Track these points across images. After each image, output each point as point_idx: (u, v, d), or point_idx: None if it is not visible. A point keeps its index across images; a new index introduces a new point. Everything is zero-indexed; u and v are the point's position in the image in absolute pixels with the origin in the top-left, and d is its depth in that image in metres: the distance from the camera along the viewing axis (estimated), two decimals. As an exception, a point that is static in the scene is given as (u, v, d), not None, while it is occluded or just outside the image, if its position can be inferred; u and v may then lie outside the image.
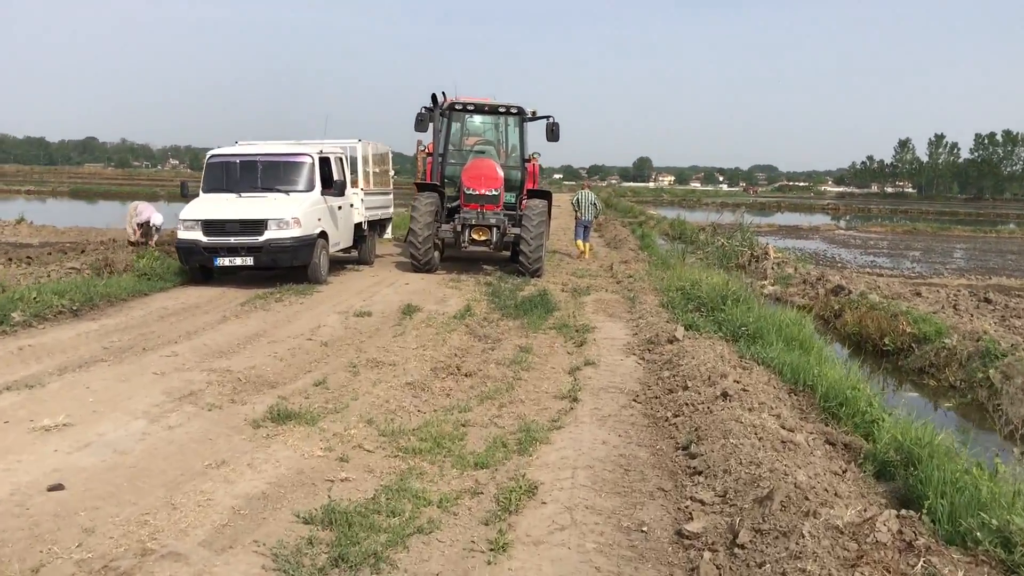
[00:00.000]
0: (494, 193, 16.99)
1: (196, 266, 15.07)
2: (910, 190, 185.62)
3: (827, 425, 7.16)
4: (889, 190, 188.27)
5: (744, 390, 7.33)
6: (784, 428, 6.36)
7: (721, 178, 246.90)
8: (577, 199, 23.66)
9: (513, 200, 18.45)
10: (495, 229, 16.89)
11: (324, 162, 16.19)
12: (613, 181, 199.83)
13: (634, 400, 8.09)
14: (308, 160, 15.71)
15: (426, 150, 18.41)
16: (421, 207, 17.03)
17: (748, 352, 9.64)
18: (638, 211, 57.75)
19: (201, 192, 15.77)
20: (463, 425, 7.18)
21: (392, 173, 20.50)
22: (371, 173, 18.54)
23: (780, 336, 10.13)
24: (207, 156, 16.12)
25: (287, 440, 6.60)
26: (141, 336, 10.68)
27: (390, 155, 20.33)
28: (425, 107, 18.16)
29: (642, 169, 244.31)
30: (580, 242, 23.84)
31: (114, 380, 8.37)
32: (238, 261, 14.68)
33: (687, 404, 7.36)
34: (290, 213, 14.69)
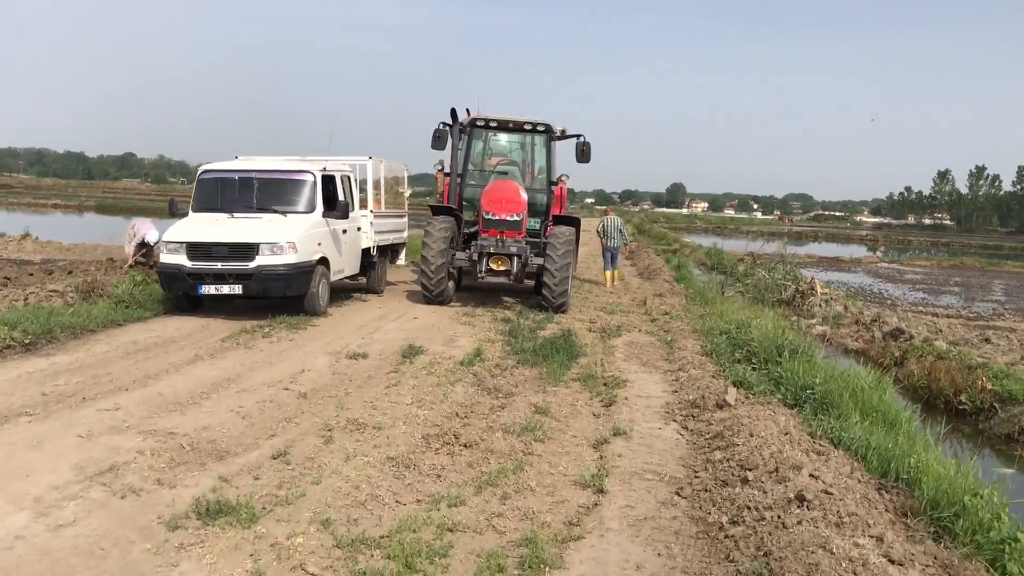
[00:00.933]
0: (516, 218, 15.27)
1: (179, 294, 13.46)
2: (948, 222, 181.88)
3: (939, 544, 5.30)
4: (927, 222, 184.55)
5: (826, 492, 5.49)
6: (891, 562, 4.51)
7: (755, 206, 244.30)
8: (603, 226, 22.50)
9: (537, 226, 16.72)
10: (516, 258, 15.15)
11: (328, 181, 14.57)
12: (646, 207, 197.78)
13: (677, 493, 6.26)
14: (309, 178, 14.08)
15: (443, 169, 16.74)
16: (434, 232, 15.35)
17: (819, 427, 7.75)
18: (672, 238, 55.83)
19: (191, 211, 14.20)
20: (449, 530, 5.39)
21: (407, 194, 18.86)
22: (383, 194, 16.88)
23: (856, 403, 8.25)
24: (198, 171, 14.54)
25: (204, 555, 4.84)
26: (92, 380, 9.03)
27: (406, 175, 18.70)
28: (443, 123, 16.52)
29: (675, 195, 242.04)
30: (608, 272, 22.47)
31: (24, 445, 6.69)
32: (225, 290, 13.05)
33: (749, 507, 5.53)
34: (285, 237, 13.06)
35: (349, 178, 15.58)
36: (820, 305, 22.97)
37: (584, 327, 14.15)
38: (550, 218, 16.61)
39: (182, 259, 13.06)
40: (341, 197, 14.76)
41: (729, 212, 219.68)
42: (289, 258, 13.02)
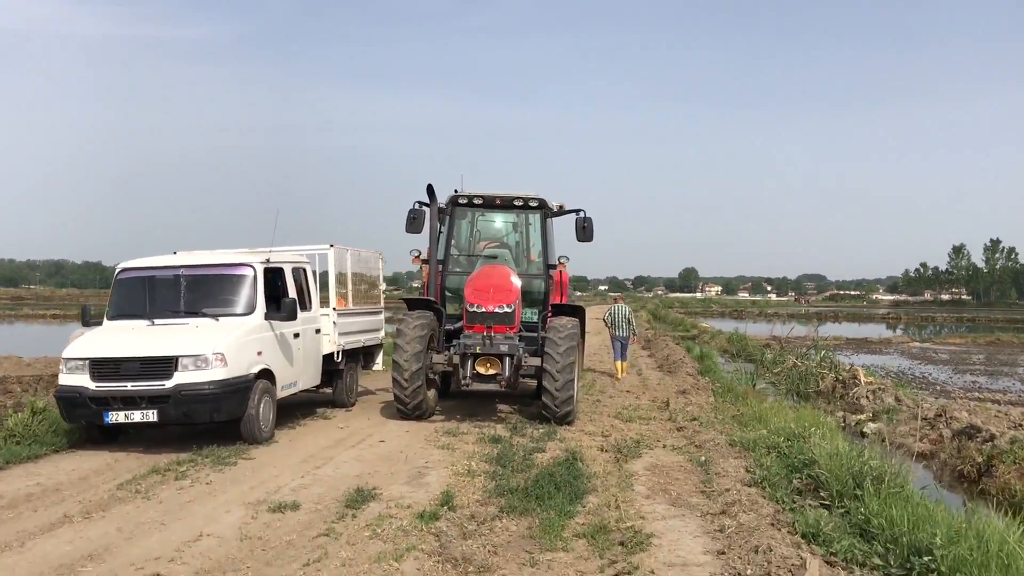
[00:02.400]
0: (507, 310, 12.57)
1: (84, 423, 10.74)
2: (966, 297, 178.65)
3: None
4: (945, 297, 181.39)
5: None
6: None
7: (769, 288, 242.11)
8: (610, 314, 21.40)
9: (535, 318, 14.00)
10: (508, 359, 12.39)
11: (273, 275, 11.97)
12: (659, 292, 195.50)
13: None
14: (248, 273, 11.48)
15: (419, 255, 14.11)
16: (407, 331, 12.65)
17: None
18: (689, 324, 53.07)
19: (105, 319, 11.59)
20: None
21: (383, 287, 16.21)
22: (350, 288, 14.25)
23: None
24: (116, 270, 11.97)
25: None
26: None
27: (381, 265, 16.08)
28: (419, 202, 13.99)
29: (688, 279, 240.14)
30: (618, 363, 20.99)
31: None
32: (137, 417, 10.32)
33: None
34: (212, 346, 10.38)
35: (304, 271, 12.98)
36: (867, 397, 20.00)
37: (595, 444, 11.29)
38: (549, 308, 13.89)
39: (84, 380, 10.39)
40: (292, 294, 12.15)
41: (743, 295, 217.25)
42: (217, 373, 10.32)
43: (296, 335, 12.19)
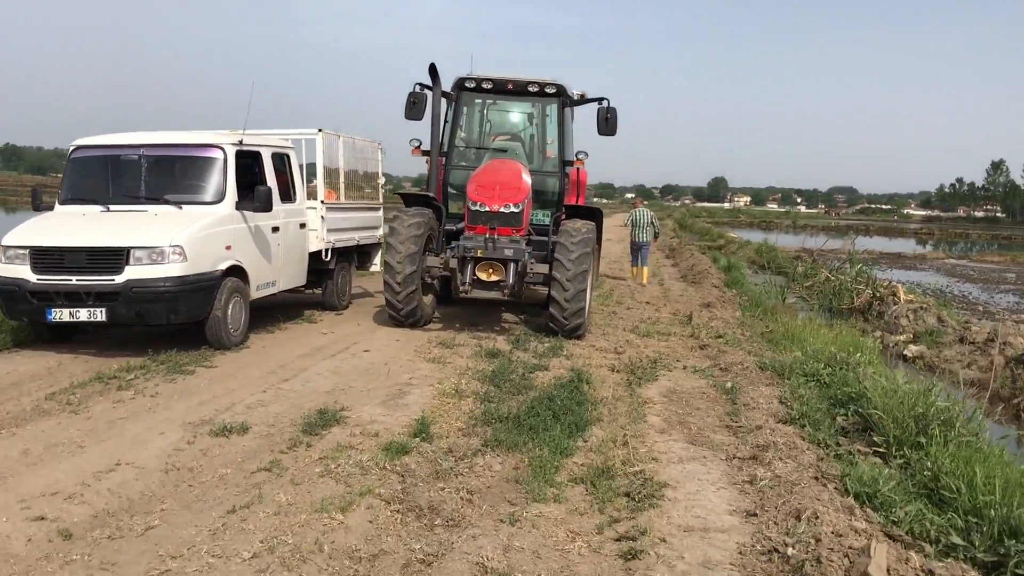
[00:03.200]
0: (514, 209, 11.13)
1: (26, 320, 9.52)
2: (1000, 215, 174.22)
3: None
4: (978, 215, 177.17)
5: None
6: None
7: (799, 199, 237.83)
8: (632, 218, 20.76)
9: (547, 220, 12.53)
10: (512, 265, 10.98)
11: (248, 159, 10.55)
12: (687, 201, 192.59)
13: None
14: (217, 156, 10.05)
15: (419, 146, 12.55)
16: (401, 230, 11.24)
17: None
18: (716, 234, 51.25)
19: (57, 203, 10.25)
20: None
21: (383, 182, 14.70)
22: (342, 180, 12.79)
23: None
24: (71, 147, 10.55)
25: None
26: None
27: (380, 156, 14.53)
28: (421, 84, 12.40)
29: (717, 189, 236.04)
30: (635, 269, 20.68)
31: None
32: (82, 315, 9.05)
33: None
34: (169, 238, 9.02)
35: (287, 158, 11.52)
36: (907, 316, 18.49)
37: (605, 363, 9.94)
38: (563, 210, 12.40)
39: (24, 271, 9.11)
40: (271, 182, 10.74)
41: (772, 206, 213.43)
42: (174, 268, 8.99)
43: (275, 229, 10.81)
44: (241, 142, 10.25)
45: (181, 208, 9.71)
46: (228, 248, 9.75)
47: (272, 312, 12.11)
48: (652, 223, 20.43)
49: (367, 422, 7.04)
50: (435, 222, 11.86)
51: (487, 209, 11.13)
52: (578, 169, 12.85)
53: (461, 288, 11.00)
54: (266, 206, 10.07)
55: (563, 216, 12.21)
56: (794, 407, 7.82)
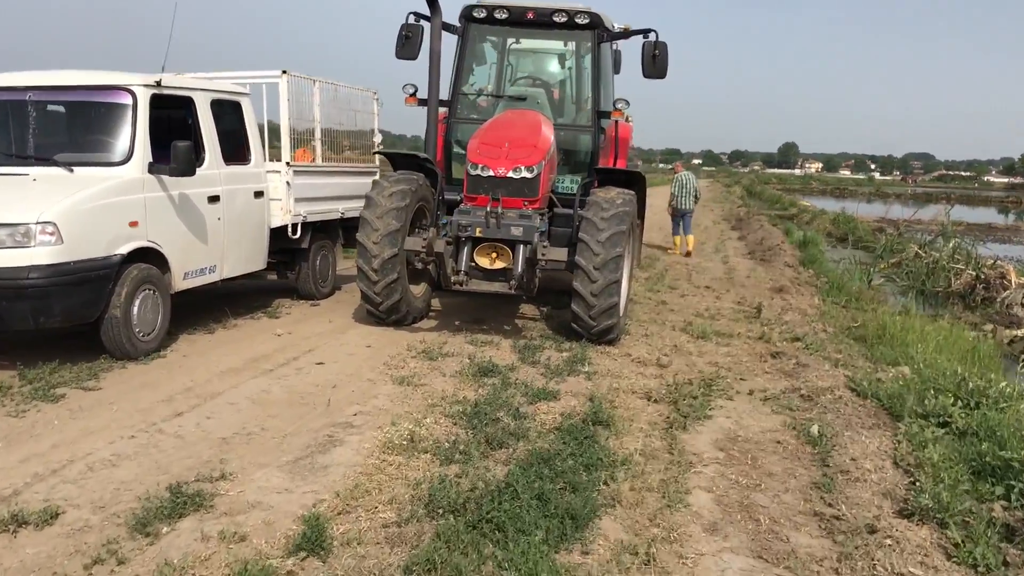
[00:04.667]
0: (526, 175, 8.47)
1: None
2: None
3: None
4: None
5: None
6: None
7: (873, 166, 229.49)
8: (677, 185, 18.83)
9: (575, 188, 9.82)
10: (521, 248, 8.28)
11: (175, 108, 8.05)
12: (756, 167, 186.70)
13: None
14: (124, 101, 7.54)
15: (415, 94, 9.87)
16: (380, 200, 8.66)
17: None
18: (787, 202, 47.62)
19: (-72, 163, 7.87)
20: None
21: (379, 140, 12.01)
22: (318, 136, 10.22)
23: None
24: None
25: None
26: None
27: (376, 108, 11.83)
28: (416, 14, 9.77)
29: (787, 155, 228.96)
30: (678, 238, 18.78)
31: None
32: (-81, 315, 6.67)
33: None
34: (37, 212, 6.56)
35: (238, 107, 8.98)
36: (1022, 304, 15.36)
37: (640, 385, 7.24)
38: (594, 176, 9.65)
39: None
40: (211, 138, 8.24)
41: (845, 173, 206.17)
42: (43, 254, 6.55)
43: (213, 199, 8.30)
44: (159, 83, 7.71)
45: (72, 171, 7.25)
46: (134, 225, 7.27)
47: (231, 302, 9.66)
48: (696, 192, 18.79)
49: (245, 507, 4.49)
50: (428, 191, 9.23)
51: (491, 173, 8.47)
52: (616, 122, 10.07)
53: (453, 279, 8.35)
54: (184, 167, 7.52)
55: (595, 183, 9.47)
56: (919, 480, 5.05)
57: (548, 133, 9.13)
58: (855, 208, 37.13)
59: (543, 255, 8.06)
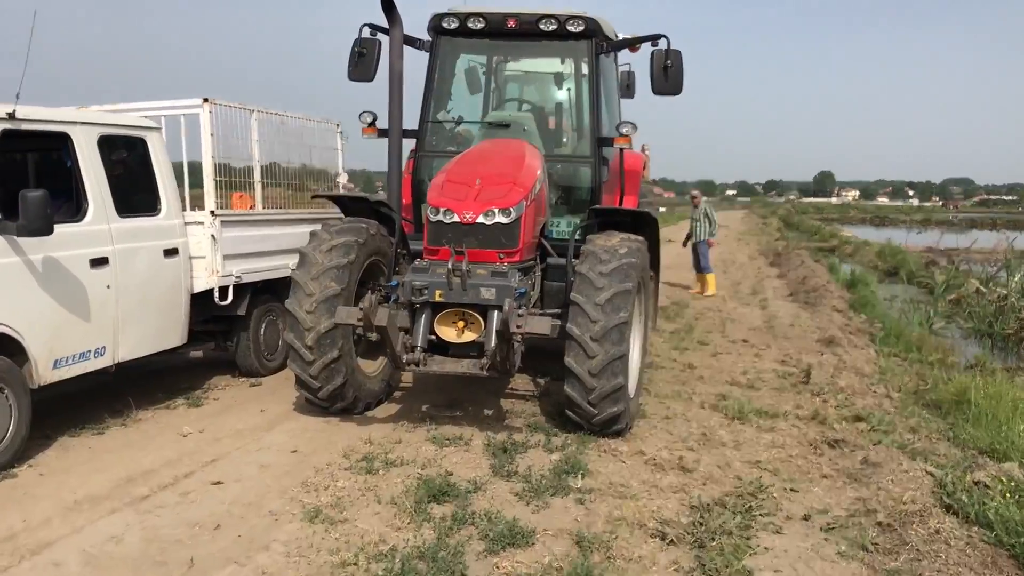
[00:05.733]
0: (501, 219, 6.56)
1: None
2: None
3: None
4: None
5: None
6: None
7: (911, 192, 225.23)
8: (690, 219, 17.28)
9: (571, 231, 7.83)
10: (493, 316, 6.26)
11: (37, 146, 6.25)
12: (792, 197, 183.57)
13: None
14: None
15: (373, 122, 7.97)
16: (316, 256, 6.77)
17: None
18: (827, 232, 45.23)
19: None
20: None
21: (345, 180, 10.06)
22: (257, 177, 8.36)
23: None
24: None
25: None
26: None
27: (339, 143, 9.95)
28: (371, 25, 7.95)
29: (823, 184, 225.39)
30: (701, 276, 17.00)
31: None
32: None
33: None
34: None
35: (142, 144, 7.14)
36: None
37: (654, 507, 5.21)
38: (595, 218, 7.64)
39: None
40: (99, 185, 6.41)
41: (882, 200, 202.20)
42: None
43: (99, 261, 6.43)
44: (12, 115, 5.87)
45: None
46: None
47: (152, 382, 7.80)
48: (708, 215, 16.87)
49: None
50: (385, 242, 7.32)
51: (456, 220, 6.54)
52: (622, 151, 8.09)
53: (405, 359, 6.37)
54: (36, 225, 5.64)
55: (596, 226, 7.49)
56: None
57: (535, 166, 7.21)
58: (903, 238, 34.72)
59: (518, 326, 6.04)
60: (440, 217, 6.59)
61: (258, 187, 8.27)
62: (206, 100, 7.54)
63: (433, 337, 6.40)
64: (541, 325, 6.06)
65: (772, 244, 34.14)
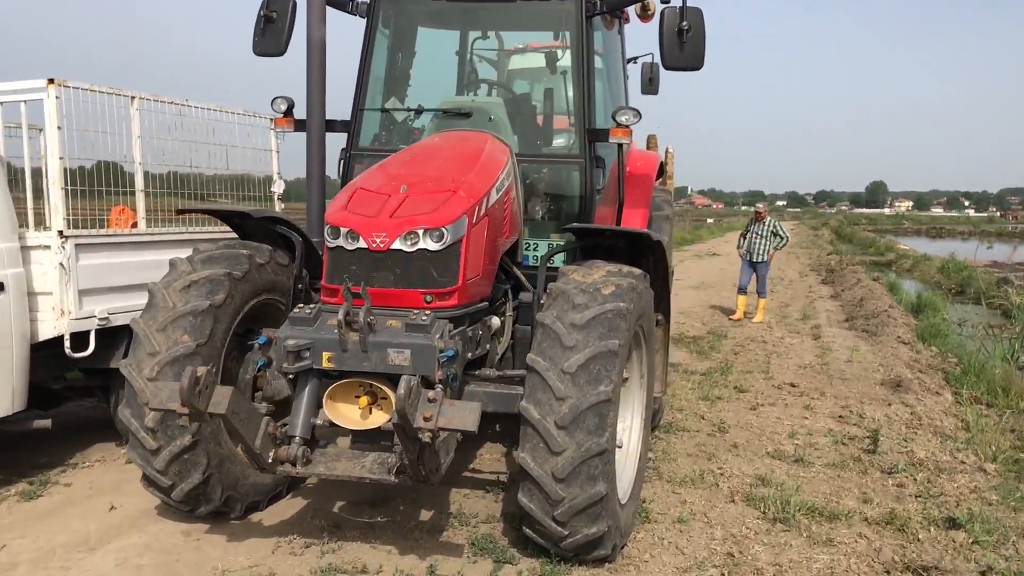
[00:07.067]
0: (430, 246, 4.47)
1: None
2: None
3: None
4: None
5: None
6: None
7: (967, 203, 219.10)
8: (750, 233, 14.69)
9: (542, 256, 5.66)
10: (404, 390, 4.04)
11: None
12: (843, 208, 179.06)
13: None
14: None
15: (290, 111, 5.97)
16: (168, 296, 4.70)
17: None
18: (882, 245, 42.43)
19: None
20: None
21: (281, 190, 7.95)
22: (140, 185, 6.34)
23: None
24: None
25: None
26: None
27: (273, 143, 7.85)
28: (285, -18, 5.92)
29: (876, 194, 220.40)
30: (741, 298, 14.75)
31: None
32: None
33: None
34: None
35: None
36: None
37: None
38: (578, 238, 5.46)
39: None
40: None
41: (937, 210, 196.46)
42: None
43: None
44: None
45: None
46: None
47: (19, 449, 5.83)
48: (776, 232, 14.51)
49: None
50: (280, 273, 5.24)
51: (360, 245, 4.45)
52: (620, 147, 5.93)
53: (272, 458, 4.26)
54: None
55: (579, 251, 5.36)
56: None
57: (494, 168, 5.11)
58: (971, 251, 31.90)
59: (426, 418, 3.88)
60: (340, 242, 4.52)
61: (140, 198, 6.24)
62: (52, 81, 5.54)
63: (319, 423, 4.32)
64: (462, 417, 3.89)
65: (824, 259, 31.57)
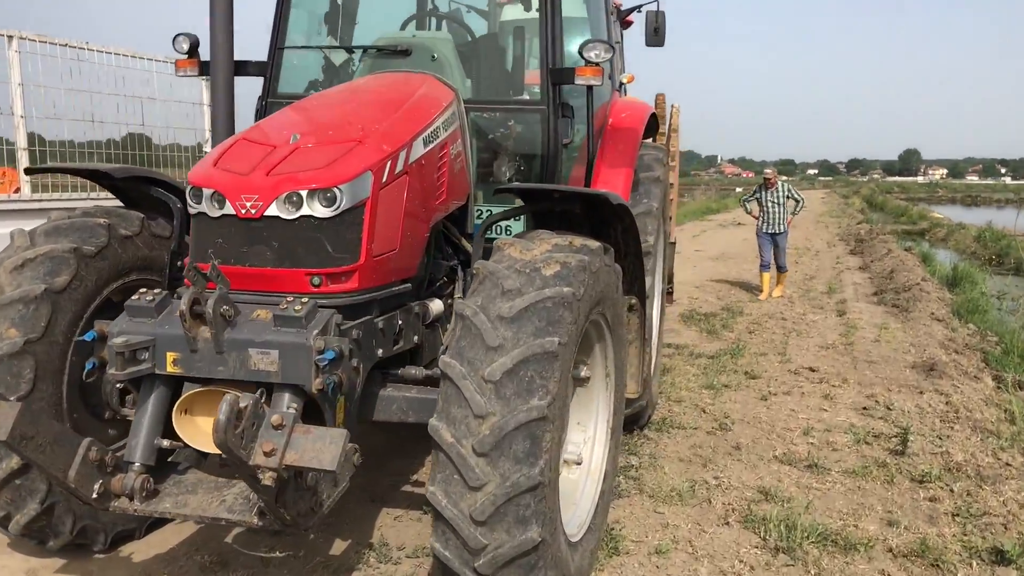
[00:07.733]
0: (319, 212, 3.39)
1: None
2: None
3: None
4: None
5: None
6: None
7: (1003, 170, 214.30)
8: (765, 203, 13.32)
9: (480, 225, 4.59)
10: (225, 415, 2.90)
11: None
12: (876, 176, 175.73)
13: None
14: None
15: (195, 50, 4.96)
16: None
17: None
18: (915, 214, 40.83)
19: None
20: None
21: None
22: (21, 145, 5.32)
23: None
24: None
25: None
26: None
27: (207, 96, 6.89)
28: None
29: (909, 162, 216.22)
30: (767, 275, 13.48)
31: None
32: None
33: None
34: None
35: None
36: None
37: None
38: (526, 208, 4.37)
39: None
40: None
41: (972, 178, 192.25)
42: None
43: None
44: None
45: None
46: None
47: None
48: (792, 196, 13.35)
49: None
50: (155, 248, 4.22)
51: (227, 211, 3.40)
52: (589, 89, 4.81)
53: (96, 495, 3.25)
54: None
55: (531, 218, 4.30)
56: None
57: (424, 115, 4.05)
58: (1010, 220, 30.32)
59: (267, 452, 2.83)
60: (203, 207, 3.47)
61: (23, 158, 5.23)
62: None
63: (165, 444, 3.31)
64: (316, 450, 2.82)
65: (854, 228, 30.21)
